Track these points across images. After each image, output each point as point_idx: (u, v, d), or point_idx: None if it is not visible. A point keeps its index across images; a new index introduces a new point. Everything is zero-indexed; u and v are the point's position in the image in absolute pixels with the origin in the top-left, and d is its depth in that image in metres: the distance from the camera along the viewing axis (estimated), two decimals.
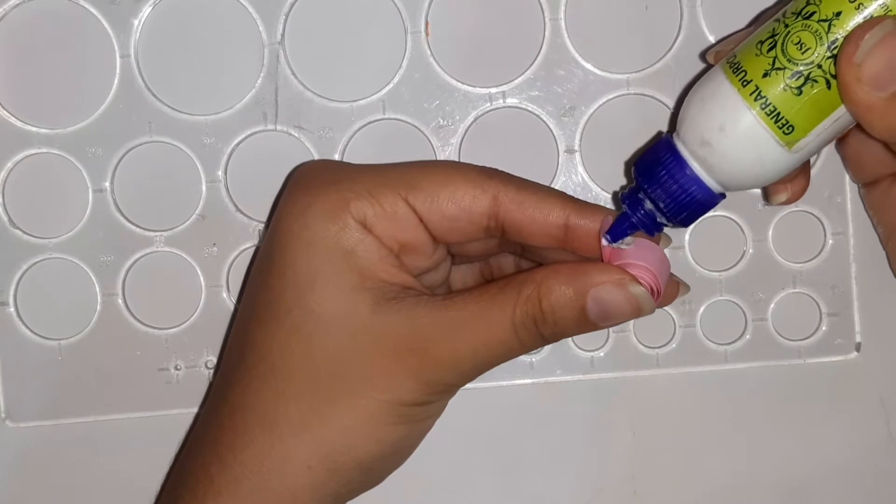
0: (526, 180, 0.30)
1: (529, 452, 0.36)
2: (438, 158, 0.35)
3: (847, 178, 0.35)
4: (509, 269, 0.33)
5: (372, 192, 0.29)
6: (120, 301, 0.35)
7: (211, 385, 0.35)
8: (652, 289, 0.28)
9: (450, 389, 0.30)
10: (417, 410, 0.29)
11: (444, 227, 0.29)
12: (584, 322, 0.28)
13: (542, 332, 0.28)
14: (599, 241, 0.29)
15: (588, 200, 0.35)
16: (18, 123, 0.35)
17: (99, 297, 0.35)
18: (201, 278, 0.35)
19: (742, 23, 0.33)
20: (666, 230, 0.29)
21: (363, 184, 0.29)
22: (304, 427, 0.29)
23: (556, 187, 0.35)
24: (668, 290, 0.30)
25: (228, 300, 0.35)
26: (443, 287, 0.33)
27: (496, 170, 0.30)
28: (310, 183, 0.30)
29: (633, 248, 0.29)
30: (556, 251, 0.30)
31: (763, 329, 0.36)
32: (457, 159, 0.35)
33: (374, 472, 0.30)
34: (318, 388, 0.29)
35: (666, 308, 0.35)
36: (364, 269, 0.29)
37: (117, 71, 0.34)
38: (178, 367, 0.35)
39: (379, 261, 0.29)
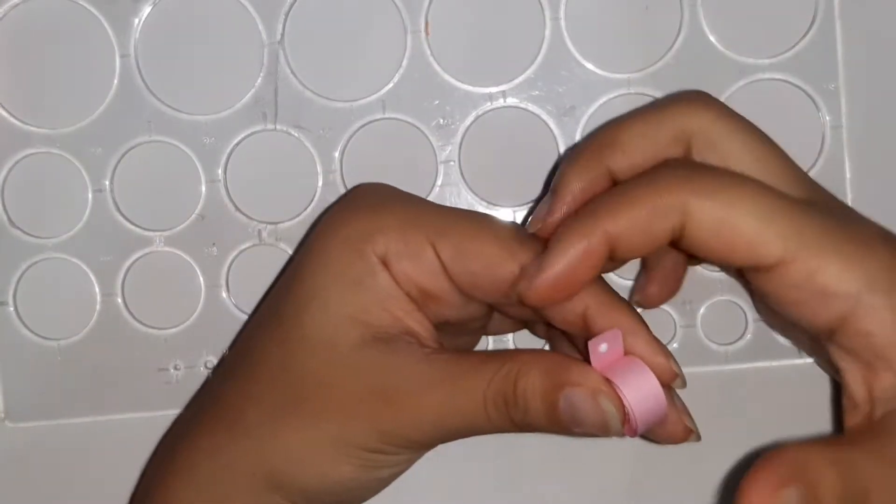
0: None
1: (529, 453, 0.36)
2: (438, 159, 0.35)
3: (848, 177, 0.35)
4: (540, 326, 0.32)
5: (401, 228, 0.28)
6: (119, 301, 0.35)
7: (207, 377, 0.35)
8: (626, 414, 0.27)
9: (411, 445, 0.28)
10: (369, 457, 0.28)
11: (467, 282, 0.28)
12: (556, 419, 0.27)
13: (513, 416, 0.27)
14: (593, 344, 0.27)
15: None
16: (18, 123, 0.35)
17: (98, 297, 0.35)
18: (201, 278, 0.35)
19: (742, 22, 0.33)
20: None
21: (395, 218, 0.28)
22: (255, 434, 0.28)
23: None
24: (673, 428, 0.28)
25: (228, 300, 0.35)
26: (479, 332, 0.32)
27: (530, 237, 0.29)
28: (350, 205, 0.30)
29: (628, 368, 0.27)
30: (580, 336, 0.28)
31: (764, 329, 0.36)
32: (457, 159, 0.35)
33: (324, 501, 0.29)
34: (280, 401, 0.28)
35: (666, 308, 0.35)
36: (366, 304, 0.28)
37: (117, 71, 0.34)
38: (178, 367, 0.35)
39: (385, 299, 0.28)
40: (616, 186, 0.28)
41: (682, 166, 0.27)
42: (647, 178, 0.27)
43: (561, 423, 0.27)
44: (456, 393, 0.27)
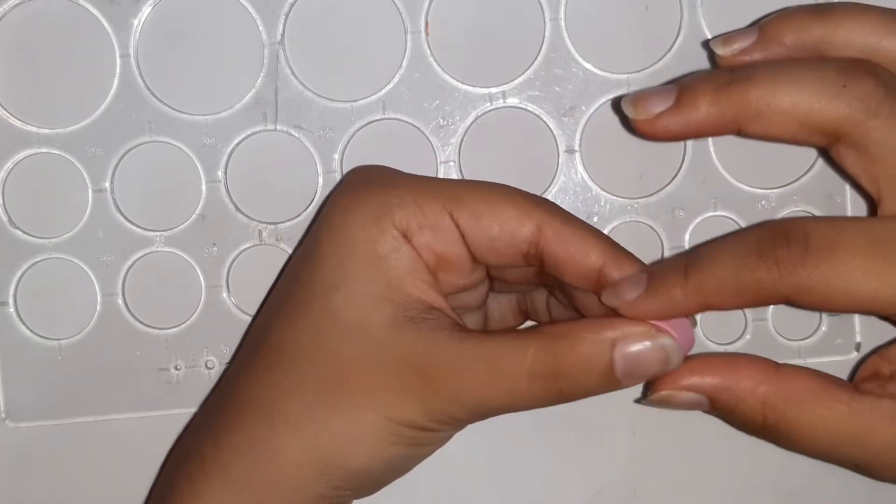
0: (572, 216, 0.29)
1: (529, 452, 0.36)
2: (438, 159, 0.35)
3: (847, 187, 0.35)
4: (541, 305, 0.33)
5: (418, 201, 0.29)
6: (120, 301, 0.35)
7: (222, 376, 0.35)
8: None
9: (455, 422, 0.29)
10: (417, 434, 0.29)
11: (485, 247, 0.29)
12: (610, 377, 0.27)
13: (562, 386, 0.27)
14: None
15: (591, 201, 0.35)
16: (18, 123, 0.35)
17: (99, 297, 0.35)
18: (201, 278, 0.35)
19: (741, 23, 0.33)
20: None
21: (410, 192, 0.29)
22: (300, 424, 0.29)
23: (556, 187, 0.35)
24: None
25: (228, 300, 0.35)
26: (479, 311, 0.32)
27: (543, 199, 0.30)
28: (357, 184, 0.30)
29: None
30: (587, 296, 0.29)
31: (763, 329, 0.36)
32: (457, 159, 0.35)
33: (364, 483, 0.30)
34: (321, 388, 0.29)
35: None
36: (393, 279, 0.28)
37: (117, 71, 0.34)
38: (178, 367, 0.35)
39: (409, 272, 0.29)
40: (719, 258, 0.28)
41: (791, 254, 0.27)
42: (749, 268, 0.27)
43: (614, 379, 0.27)
44: (497, 373, 0.28)
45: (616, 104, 0.34)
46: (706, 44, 0.34)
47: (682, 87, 0.30)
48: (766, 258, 0.27)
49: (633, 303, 0.28)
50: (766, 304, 0.28)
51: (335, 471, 0.29)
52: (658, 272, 0.28)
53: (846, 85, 0.28)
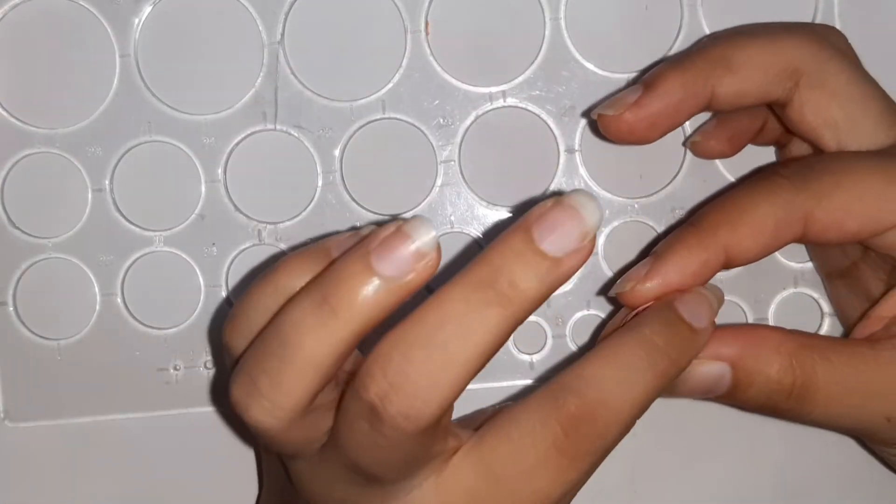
0: None
1: None
2: (438, 159, 0.35)
3: None
4: None
5: None
6: (119, 301, 0.35)
7: None
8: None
9: None
10: None
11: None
12: None
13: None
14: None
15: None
16: (18, 123, 0.35)
17: (98, 297, 0.35)
18: (201, 278, 0.35)
19: (742, 23, 0.33)
20: None
21: None
22: None
23: (556, 187, 0.35)
24: None
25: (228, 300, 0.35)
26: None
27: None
28: None
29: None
30: None
31: None
32: (457, 159, 0.35)
33: None
34: None
35: None
36: None
37: (117, 71, 0.34)
38: (178, 367, 0.35)
39: None
40: (731, 195, 0.28)
41: (793, 172, 0.27)
42: (763, 188, 0.27)
43: None
44: None
45: (592, 123, 0.34)
46: None
47: (646, 77, 0.30)
48: (776, 177, 0.27)
49: (649, 284, 0.26)
50: (786, 236, 0.27)
51: None
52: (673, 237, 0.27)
53: (792, 30, 0.30)
